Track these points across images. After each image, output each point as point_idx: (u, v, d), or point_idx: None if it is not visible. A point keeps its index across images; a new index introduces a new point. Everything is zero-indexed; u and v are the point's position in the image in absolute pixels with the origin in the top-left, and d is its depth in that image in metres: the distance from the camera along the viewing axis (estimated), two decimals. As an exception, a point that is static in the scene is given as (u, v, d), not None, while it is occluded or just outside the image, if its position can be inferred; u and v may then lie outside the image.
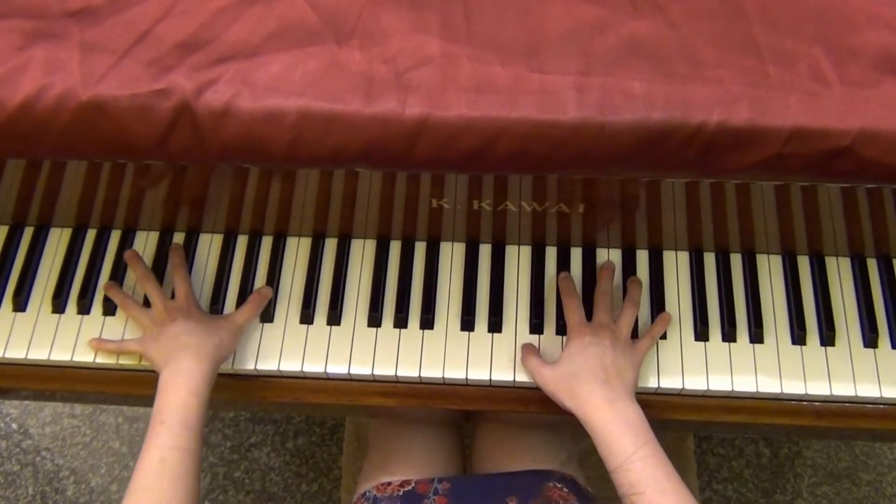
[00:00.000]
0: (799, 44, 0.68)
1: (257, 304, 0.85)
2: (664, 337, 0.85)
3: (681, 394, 0.83)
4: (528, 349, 0.83)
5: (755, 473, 1.47)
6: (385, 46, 0.68)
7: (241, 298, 0.87)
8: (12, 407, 1.55)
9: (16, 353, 0.85)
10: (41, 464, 1.50)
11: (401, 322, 0.86)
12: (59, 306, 0.87)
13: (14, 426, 1.53)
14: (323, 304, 0.87)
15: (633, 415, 0.73)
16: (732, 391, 0.82)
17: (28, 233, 0.91)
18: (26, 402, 1.54)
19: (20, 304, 0.87)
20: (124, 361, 0.84)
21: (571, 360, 0.78)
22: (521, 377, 0.83)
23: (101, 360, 0.85)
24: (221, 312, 0.87)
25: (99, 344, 0.84)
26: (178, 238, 0.90)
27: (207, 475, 1.47)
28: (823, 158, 0.65)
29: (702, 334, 0.85)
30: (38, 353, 0.85)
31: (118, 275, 0.89)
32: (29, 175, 0.83)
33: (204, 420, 0.74)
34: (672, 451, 1.09)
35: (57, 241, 0.91)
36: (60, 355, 0.85)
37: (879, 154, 0.65)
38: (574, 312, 0.82)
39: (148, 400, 0.88)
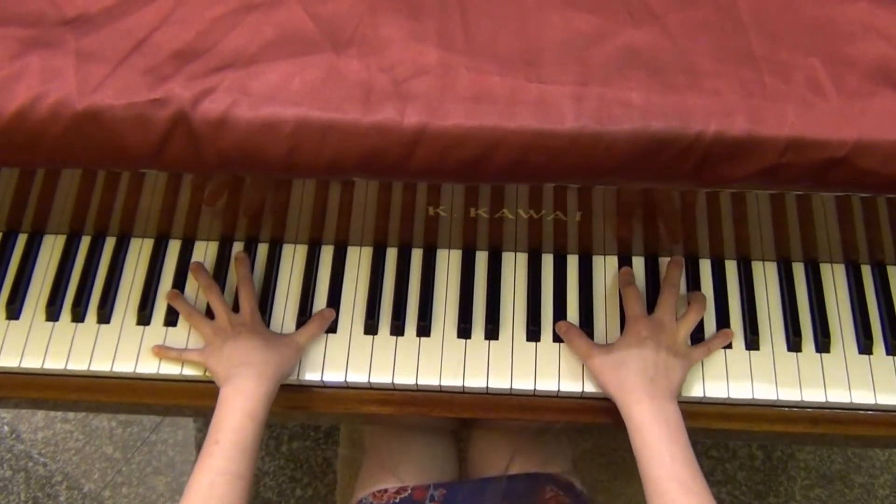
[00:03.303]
0: (795, 55, 0.69)
1: (319, 325, 0.84)
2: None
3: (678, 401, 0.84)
4: (573, 330, 0.83)
5: (748, 476, 1.48)
6: (383, 55, 0.68)
7: (237, 305, 0.87)
8: (4, 412, 1.54)
9: (9, 361, 0.84)
10: (33, 469, 1.49)
11: (397, 330, 0.85)
12: (52, 314, 0.86)
13: (6, 430, 1.52)
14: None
15: (672, 415, 0.75)
16: (728, 398, 0.83)
17: (21, 240, 0.90)
18: (18, 407, 1.53)
19: (13, 312, 0.87)
20: (118, 369, 0.84)
21: (625, 350, 0.79)
22: (518, 385, 0.83)
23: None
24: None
25: (160, 351, 0.83)
26: (174, 245, 0.90)
27: (201, 480, 1.47)
28: (820, 168, 0.66)
29: (698, 341, 0.85)
30: (32, 362, 0.84)
31: (113, 282, 0.88)
32: (23, 182, 0.82)
33: (258, 442, 0.74)
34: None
35: (51, 248, 0.90)
36: (54, 364, 0.84)
37: (875, 164, 0.65)
38: (634, 305, 0.83)
39: (141, 407, 0.88)
